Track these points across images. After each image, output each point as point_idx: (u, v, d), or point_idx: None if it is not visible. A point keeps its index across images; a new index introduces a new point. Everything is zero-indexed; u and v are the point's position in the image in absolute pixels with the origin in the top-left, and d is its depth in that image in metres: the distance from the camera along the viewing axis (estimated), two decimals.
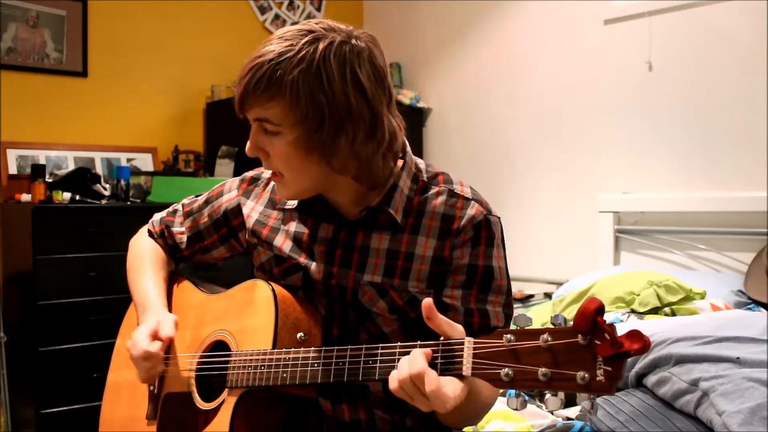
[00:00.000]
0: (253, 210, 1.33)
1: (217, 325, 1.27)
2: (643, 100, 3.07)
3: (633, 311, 2.29)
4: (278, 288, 1.21)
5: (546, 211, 3.45)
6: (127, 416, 1.36)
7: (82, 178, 3.01)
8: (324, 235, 1.23)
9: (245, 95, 1.12)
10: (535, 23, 3.49)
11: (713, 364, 1.66)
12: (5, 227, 3.10)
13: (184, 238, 1.42)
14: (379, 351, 1.00)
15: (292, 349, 1.11)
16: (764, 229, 2.62)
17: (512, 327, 0.91)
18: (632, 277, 2.44)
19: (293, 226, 1.26)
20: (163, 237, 1.45)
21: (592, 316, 0.79)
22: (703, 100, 2.88)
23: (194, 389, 1.25)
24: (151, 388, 1.32)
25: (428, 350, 0.94)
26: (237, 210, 1.36)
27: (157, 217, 1.48)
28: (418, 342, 0.97)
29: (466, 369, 0.89)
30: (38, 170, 2.96)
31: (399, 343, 0.99)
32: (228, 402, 1.16)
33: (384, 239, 1.19)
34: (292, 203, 1.27)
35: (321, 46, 1.09)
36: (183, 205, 1.46)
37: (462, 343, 0.91)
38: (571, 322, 0.82)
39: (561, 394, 0.83)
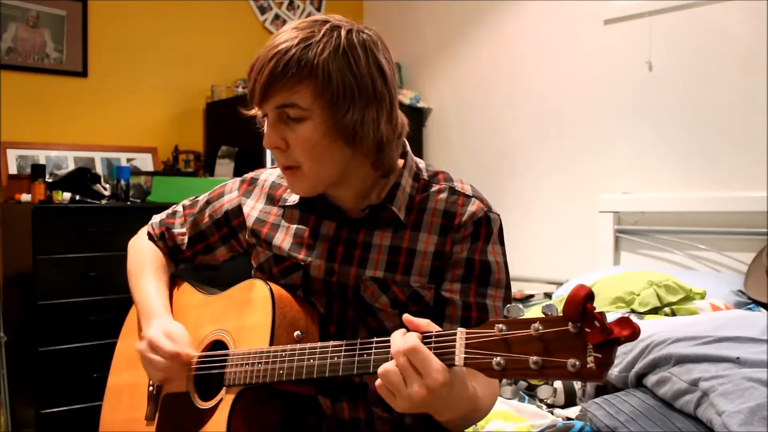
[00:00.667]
0: (253, 209, 1.34)
1: (216, 325, 1.28)
2: (643, 100, 3.07)
3: (633, 311, 2.29)
4: (275, 287, 1.21)
5: (546, 211, 3.45)
6: (127, 418, 1.36)
7: (82, 178, 3.01)
8: (326, 232, 1.24)
9: (271, 82, 1.10)
10: (535, 23, 3.49)
11: (713, 364, 1.66)
12: (5, 227, 3.10)
13: (185, 239, 1.42)
14: (374, 344, 1.01)
15: (288, 346, 1.12)
16: (764, 229, 2.62)
17: (506, 317, 0.91)
18: (632, 277, 2.44)
19: (294, 223, 1.27)
20: (164, 239, 1.45)
21: (581, 302, 0.80)
22: (703, 100, 2.88)
23: (193, 389, 1.25)
24: (151, 388, 1.32)
25: (417, 334, 0.95)
26: (238, 210, 1.36)
27: (156, 219, 1.48)
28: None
29: (459, 359, 0.90)
30: (38, 170, 2.96)
31: (393, 334, 0.99)
32: (226, 400, 1.17)
33: (386, 236, 1.20)
34: (294, 199, 1.27)
35: (343, 31, 1.11)
36: (184, 207, 1.46)
37: (454, 334, 0.92)
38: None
39: (554, 383, 0.84)
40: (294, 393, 1.18)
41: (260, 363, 1.13)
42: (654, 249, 3.00)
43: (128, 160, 3.53)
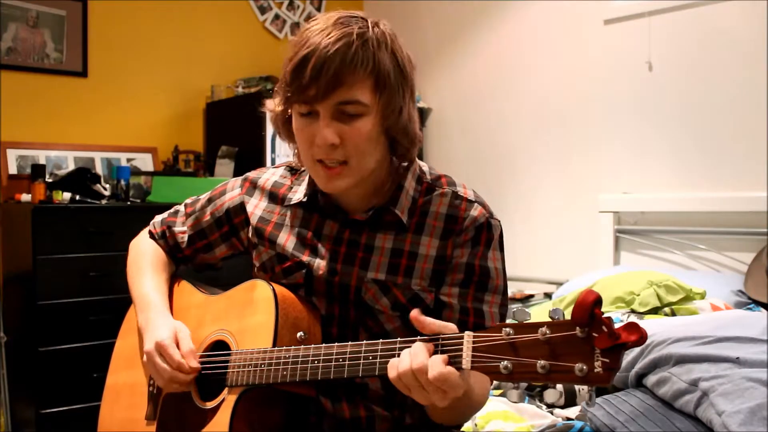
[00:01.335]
0: (256, 207, 1.34)
1: (217, 325, 1.27)
2: (643, 100, 3.07)
3: (633, 311, 2.29)
4: (278, 287, 1.21)
5: (546, 211, 3.44)
6: (126, 418, 1.36)
7: (82, 178, 3.01)
8: (329, 232, 1.25)
9: (337, 79, 1.08)
10: (535, 23, 3.49)
11: (713, 364, 1.67)
12: (5, 227, 3.10)
13: (186, 236, 1.43)
14: (379, 347, 1.01)
15: (292, 347, 1.11)
16: (764, 229, 2.62)
17: (512, 321, 0.91)
18: (632, 277, 2.44)
19: (297, 223, 1.27)
20: (165, 238, 1.45)
21: (589, 308, 0.80)
22: (703, 100, 2.88)
23: (194, 389, 1.25)
24: (151, 388, 1.32)
25: (430, 344, 0.95)
26: (240, 208, 1.36)
27: (158, 218, 1.49)
28: (418, 337, 0.98)
29: (466, 362, 0.90)
30: (38, 170, 2.95)
31: (399, 339, 1.00)
32: (228, 401, 1.16)
33: (388, 239, 1.21)
34: (298, 197, 1.28)
35: (381, 25, 1.14)
36: (185, 205, 1.47)
37: (462, 337, 0.92)
38: (569, 316, 0.83)
39: (560, 387, 0.84)
40: (295, 393, 1.18)
41: (263, 364, 1.13)
42: (654, 249, 3.00)
43: (128, 160, 3.53)
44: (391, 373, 0.95)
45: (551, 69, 3.42)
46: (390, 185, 1.22)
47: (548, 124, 3.43)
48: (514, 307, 1.06)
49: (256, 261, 1.33)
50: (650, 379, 1.77)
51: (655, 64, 3.02)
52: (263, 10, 4.04)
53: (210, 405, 1.21)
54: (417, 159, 1.27)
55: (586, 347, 0.81)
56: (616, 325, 0.81)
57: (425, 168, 1.28)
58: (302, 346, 1.11)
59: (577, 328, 0.81)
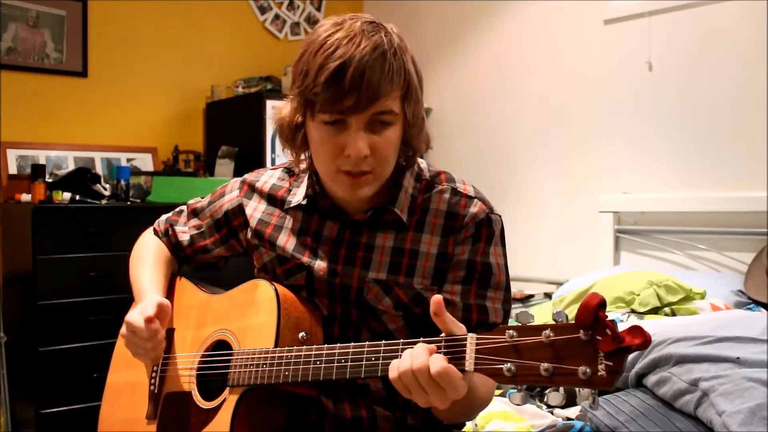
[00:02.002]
0: (255, 210, 1.34)
1: (219, 324, 1.27)
2: (643, 100, 3.07)
3: (633, 311, 2.29)
4: (280, 288, 1.21)
5: (546, 211, 3.44)
6: (126, 417, 1.36)
7: (82, 178, 3.01)
8: (329, 233, 1.24)
9: (377, 89, 1.07)
10: (535, 23, 3.49)
11: (713, 364, 1.66)
12: (5, 227, 3.10)
13: (186, 237, 1.43)
14: (382, 348, 1.01)
15: (294, 348, 1.11)
16: (764, 229, 2.62)
17: (514, 323, 0.91)
18: (632, 277, 2.44)
19: (297, 225, 1.27)
20: (167, 236, 1.46)
21: (594, 311, 0.80)
22: (703, 100, 2.88)
23: (195, 388, 1.25)
24: (152, 387, 1.32)
25: (432, 346, 0.94)
26: (238, 210, 1.36)
27: (163, 217, 1.51)
28: (421, 338, 0.98)
29: (469, 364, 0.90)
30: (38, 170, 2.96)
31: (402, 340, 1.00)
32: (229, 401, 1.16)
33: (389, 238, 1.21)
34: (298, 200, 1.27)
35: (397, 32, 1.14)
36: (188, 205, 1.48)
37: (465, 339, 0.92)
38: (573, 319, 0.83)
39: (563, 390, 0.84)
40: (297, 393, 1.18)
41: (265, 364, 1.13)
42: (654, 249, 3.00)
43: (128, 160, 3.53)
44: (392, 373, 0.95)
45: (551, 69, 3.42)
46: (389, 184, 1.22)
47: (548, 124, 3.43)
48: (515, 307, 1.06)
49: (257, 263, 1.33)
50: (650, 379, 1.77)
51: (655, 64, 3.02)
52: (263, 10, 4.04)
53: (211, 405, 1.21)
54: None
55: (590, 350, 0.81)
56: (613, 317, 0.81)
57: (423, 165, 1.28)
58: (304, 347, 1.11)
59: (581, 331, 0.81)
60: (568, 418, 1.83)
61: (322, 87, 1.07)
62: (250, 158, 3.45)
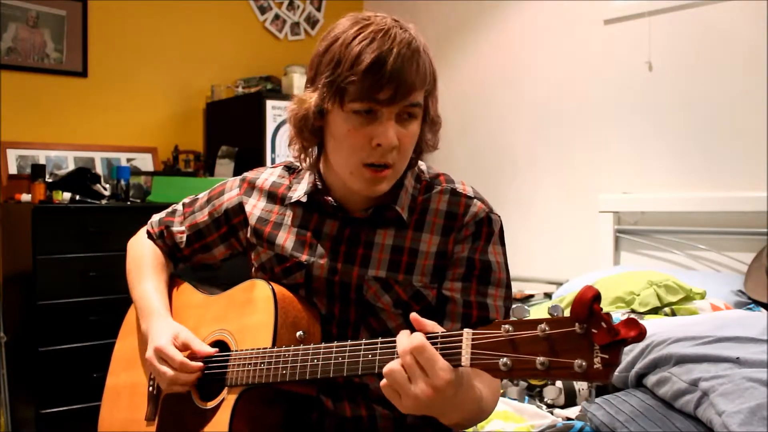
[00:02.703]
0: (255, 207, 1.33)
1: (217, 325, 1.27)
2: (643, 100, 3.06)
3: (633, 311, 2.29)
4: (278, 287, 1.21)
5: (546, 211, 3.44)
6: (126, 419, 1.36)
7: (82, 178, 3.01)
8: (329, 231, 1.25)
9: (414, 81, 1.11)
10: (535, 23, 3.49)
11: (713, 364, 1.66)
12: (5, 227, 3.10)
13: (184, 237, 1.42)
14: (379, 344, 1.01)
15: (292, 347, 1.11)
16: (764, 229, 2.62)
17: (511, 318, 0.91)
18: (632, 277, 2.44)
19: (297, 222, 1.27)
20: (162, 238, 1.45)
21: (588, 303, 0.80)
22: (703, 100, 2.88)
23: (194, 389, 1.25)
24: (150, 389, 1.32)
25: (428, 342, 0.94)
26: (238, 209, 1.36)
27: (155, 218, 1.48)
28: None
29: (465, 359, 0.90)
30: (38, 170, 2.96)
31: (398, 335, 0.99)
32: (228, 400, 1.16)
33: (389, 236, 1.21)
34: (299, 195, 1.27)
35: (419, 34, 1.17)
36: (183, 205, 1.46)
37: (461, 335, 0.91)
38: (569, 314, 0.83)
39: (559, 384, 0.84)
40: (296, 393, 1.18)
41: (263, 363, 1.13)
42: (654, 249, 3.00)
43: (128, 160, 3.53)
44: (391, 365, 0.94)
45: (551, 69, 3.42)
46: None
47: (548, 123, 3.43)
48: (513, 306, 1.06)
49: (254, 261, 1.33)
50: (650, 379, 1.77)
51: (655, 64, 3.02)
52: (263, 10, 4.04)
53: (210, 405, 1.21)
54: None
55: (585, 343, 0.80)
56: (614, 318, 0.81)
57: (423, 167, 1.29)
58: (301, 346, 1.10)
59: (576, 324, 0.81)
60: (568, 418, 1.83)
61: (360, 76, 1.08)
62: (250, 158, 3.45)
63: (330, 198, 1.24)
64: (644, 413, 1.67)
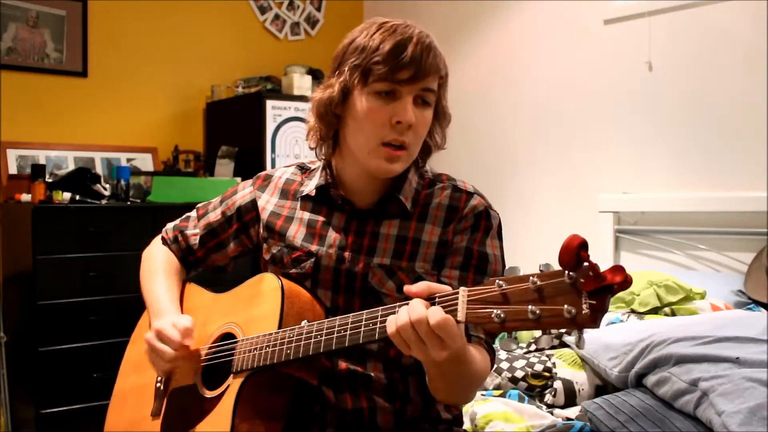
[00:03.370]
0: (268, 203, 1.39)
1: (225, 318, 1.30)
2: (643, 100, 3.06)
3: (633, 311, 2.29)
4: (285, 279, 1.24)
5: (546, 211, 3.44)
6: (132, 418, 1.37)
7: (82, 178, 3.01)
8: (337, 223, 1.31)
9: (432, 64, 1.20)
10: (535, 23, 3.49)
11: (713, 364, 1.67)
12: (5, 227, 3.10)
13: (198, 238, 1.46)
14: (380, 312, 1.04)
15: (296, 327, 1.14)
16: (764, 229, 2.62)
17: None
18: (632, 277, 2.44)
19: (307, 215, 1.33)
20: (177, 242, 1.49)
21: (575, 251, 0.84)
22: (703, 100, 2.88)
23: (200, 380, 1.26)
24: (158, 385, 1.33)
25: (427, 302, 0.98)
26: (251, 205, 1.40)
27: (170, 225, 1.53)
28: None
29: (461, 314, 0.94)
30: (38, 170, 2.96)
31: (398, 303, 1.02)
32: (233, 386, 1.18)
33: (393, 226, 1.28)
34: (310, 189, 1.33)
35: None
36: (197, 209, 1.51)
37: (457, 293, 0.96)
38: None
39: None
40: (299, 381, 1.19)
41: (268, 346, 1.16)
42: (654, 249, 3.00)
43: (128, 160, 3.53)
44: (390, 328, 0.98)
45: (551, 68, 3.42)
46: (396, 176, 1.28)
47: (548, 123, 3.43)
48: (507, 267, 1.10)
49: (265, 255, 1.37)
50: (650, 379, 1.77)
51: (655, 64, 3.02)
52: (263, 10, 4.04)
53: (215, 393, 1.22)
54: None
55: (574, 291, 0.84)
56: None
57: (427, 167, 1.36)
58: (305, 324, 1.13)
59: (566, 273, 0.84)
60: (568, 418, 1.83)
61: (384, 56, 1.18)
62: (250, 158, 3.45)
63: (339, 192, 1.30)
64: (644, 413, 1.67)
